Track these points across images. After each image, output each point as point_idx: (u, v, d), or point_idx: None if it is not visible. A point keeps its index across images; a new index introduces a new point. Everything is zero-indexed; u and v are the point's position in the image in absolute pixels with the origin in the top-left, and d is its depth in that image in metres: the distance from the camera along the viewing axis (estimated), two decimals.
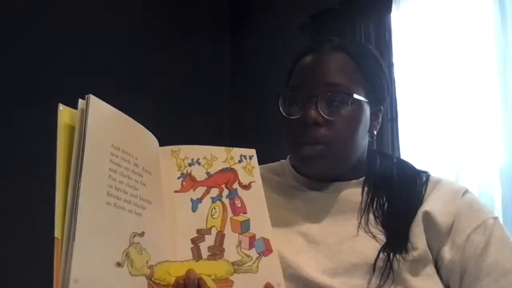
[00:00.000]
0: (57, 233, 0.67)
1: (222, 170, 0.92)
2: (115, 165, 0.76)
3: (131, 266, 0.74)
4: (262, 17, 3.15)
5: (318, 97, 0.95)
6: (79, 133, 0.72)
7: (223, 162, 0.93)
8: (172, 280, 0.81)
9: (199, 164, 0.91)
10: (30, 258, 1.96)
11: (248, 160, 0.94)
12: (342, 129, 0.96)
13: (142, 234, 0.78)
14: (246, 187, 0.92)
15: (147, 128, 0.88)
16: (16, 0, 2.46)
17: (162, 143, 0.92)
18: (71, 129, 0.72)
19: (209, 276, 0.83)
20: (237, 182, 0.92)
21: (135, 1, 2.89)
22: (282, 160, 1.12)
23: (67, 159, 0.71)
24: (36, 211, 1.59)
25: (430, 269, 0.92)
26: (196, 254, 0.84)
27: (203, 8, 3.17)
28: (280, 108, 1.00)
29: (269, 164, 1.13)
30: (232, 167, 0.93)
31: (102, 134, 0.75)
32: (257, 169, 0.94)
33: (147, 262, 0.78)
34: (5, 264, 2.21)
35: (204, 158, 0.92)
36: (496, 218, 0.96)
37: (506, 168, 2.02)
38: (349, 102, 0.96)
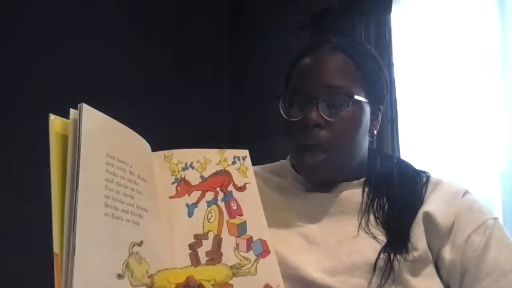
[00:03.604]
0: (56, 248, 0.66)
1: (216, 173, 0.92)
2: (111, 174, 0.75)
3: (132, 277, 0.73)
4: (262, 17, 3.14)
5: (319, 99, 0.95)
6: (73, 144, 0.71)
7: (216, 164, 0.92)
8: (172, 287, 0.80)
9: (192, 168, 0.91)
10: (30, 276, 1.95)
11: (242, 161, 0.94)
12: (343, 130, 0.96)
13: (140, 244, 0.77)
14: (241, 188, 0.91)
15: (145, 132, 0.88)
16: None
17: (161, 146, 0.92)
18: (64, 138, 0.71)
19: (209, 281, 0.82)
20: (231, 184, 0.91)
21: (134, 2, 2.89)
22: (282, 160, 1.12)
23: (62, 170, 0.70)
24: (33, 227, 1.58)
25: (431, 269, 0.92)
26: (195, 260, 0.84)
27: (203, 9, 3.17)
28: (281, 110, 1.00)
29: (269, 164, 1.13)
30: (226, 169, 0.92)
31: (96, 143, 0.74)
32: (251, 170, 0.94)
33: (147, 271, 0.77)
34: (5, 282, 2.21)
35: (198, 161, 0.91)
36: (496, 219, 0.96)
37: (506, 170, 2.01)
38: (350, 103, 0.96)
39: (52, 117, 0.71)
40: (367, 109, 1.00)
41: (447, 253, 0.92)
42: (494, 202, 2.03)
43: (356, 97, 0.97)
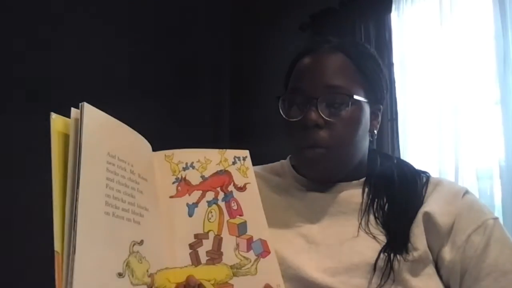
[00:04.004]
0: (57, 247, 0.66)
1: (217, 173, 0.92)
2: (112, 173, 0.75)
3: (132, 276, 0.74)
4: (262, 17, 3.15)
5: (318, 99, 0.95)
6: (74, 143, 0.71)
7: (217, 164, 0.92)
8: (172, 287, 0.81)
9: (193, 168, 0.91)
10: (30, 274, 1.95)
11: (242, 161, 0.94)
12: (343, 130, 0.96)
13: (141, 243, 0.77)
14: (241, 188, 0.92)
15: (146, 131, 0.88)
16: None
17: (161, 146, 0.92)
18: (65, 137, 0.71)
19: (209, 281, 0.82)
20: (232, 184, 0.91)
21: (134, 3, 2.89)
22: (282, 160, 1.12)
23: (63, 169, 0.70)
24: (34, 226, 1.58)
25: (431, 269, 0.92)
26: (195, 260, 0.84)
27: (203, 9, 3.17)
28: (280, 111, 1.00)
29: (269, 164, 1.13)
30: (227, 169, 0.93)
31: (98, 143, 0.74)
32: (251, 170, 0.94)
33: (147, 270, 0.77)
34: (5, 282, 2.20)
35: (198, 161, 0.92)
36: (496, 219, 0.95)
37: (506, 168, 2.01)
38: (349, 103, 0.96)
39: (53, 116, 0.71)
40: (367, 109, 1.00)
41: (447, 253, 0.92)
42: (494, 202, 2.03)
43: (355, 97, 0.96)
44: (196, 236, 0.86)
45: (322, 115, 0.94)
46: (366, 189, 1.01)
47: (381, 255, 0.90)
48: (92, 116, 0.74)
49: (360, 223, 0.95)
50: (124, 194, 0.76)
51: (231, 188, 0.91)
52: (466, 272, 0.91)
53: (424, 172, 1.04)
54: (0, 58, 2.38)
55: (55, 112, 0.72)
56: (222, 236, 0.87)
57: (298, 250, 0.94)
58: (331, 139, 0.95)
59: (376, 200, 0.98)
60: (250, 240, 0.87)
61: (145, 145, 0.88)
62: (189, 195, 0.89)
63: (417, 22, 2.36)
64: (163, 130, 1.98)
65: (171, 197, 0.88)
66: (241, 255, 0.86)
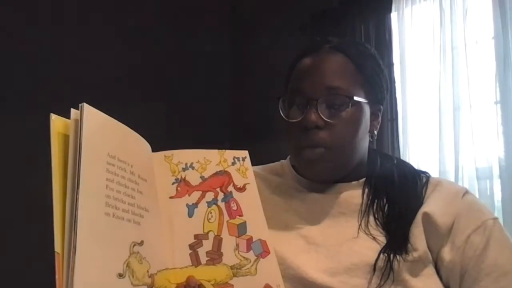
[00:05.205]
0: (57, 248, 0.66)
1: (216, 174, 0.92)
2: (112, 174, 0.75)
3: (133, 277, 0.74)
4: (262, 17, 3.15)
5: (318, 100, 0.94)
6: (74, 144, 0.71)
7: (216, 165, 0.92)
8: (172, 287, 0.81)
9: (193, 168, 0.91)
10: (31, 275, 1.95)
11: (242, 162, 0.94)
12: (343, 131, 0.96)
13: (141, 243, 0.77)
14: (241, 189, 0.91)
15: (146, 131, 0.88)
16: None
17: (160, 146, 0.92)
18: (65, 138, 0.71)
19: (209, 281, 0.82)
20: (231, 184, 0.91)
21: (134, 3, 2.89)
22: (283, 161, 1.12)
23: (63, 170, 0.70)
24: (34, 226, 1.58)
25: (430, 269, 0.92)
26: (195, 260, 0.84)
27: (203, 9, 3.17)
28: (280, 112, 1.00)
29: (269, 165, 1.13)
30: (226, 169, 0.92)
31: (97, 143, 0.74)
32: (250, 170, 0.94)
33: (147, 271, 0.77)
34: (5, 282, 2.20)
35: (198, 162, 0.91)
36: (496, 219, 0.95)
37: (506, 168, 2.02)
38: (349, 104, 0.95)
39: (53, 117, 0.71)
40: (367, 109, 1.00)
41: (447, 254, 0.92)
42: (494, 202, 2.03)
43: (355, 98, 0.96)
44: (196, 236, 0.86)
45: (322, 116, 0.94)
46: (366, 190, 1.00)
47: (381, 255, 0.90)
48: (92, 117, 0.74)
49: (360, 224, 0.95)
50: (124, 195, 0.76)
51: (230, 188, 0.91)
52: (466, 272, 0.91)
53: (424, 172, 1.04)
54: (0, 58, 2.38)
55: (55, 113, 0.72)
56: (222, 236, 0.87)
57: (298, 251, 0.94)
58: (331, 140, 0.95)
59: (376, 201, 0.98)
60: (249, 241, 0.87)
61: (145, 145, 0.88)
62: (189, 195, 0.89)
63: (417, 22, 2.36)
64: (162, 131, 1.98)
65: (171, 197, 0.88)
66: (241, 255, 0.86)
